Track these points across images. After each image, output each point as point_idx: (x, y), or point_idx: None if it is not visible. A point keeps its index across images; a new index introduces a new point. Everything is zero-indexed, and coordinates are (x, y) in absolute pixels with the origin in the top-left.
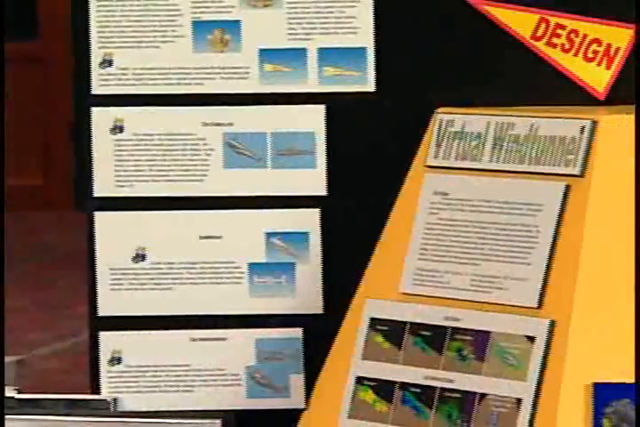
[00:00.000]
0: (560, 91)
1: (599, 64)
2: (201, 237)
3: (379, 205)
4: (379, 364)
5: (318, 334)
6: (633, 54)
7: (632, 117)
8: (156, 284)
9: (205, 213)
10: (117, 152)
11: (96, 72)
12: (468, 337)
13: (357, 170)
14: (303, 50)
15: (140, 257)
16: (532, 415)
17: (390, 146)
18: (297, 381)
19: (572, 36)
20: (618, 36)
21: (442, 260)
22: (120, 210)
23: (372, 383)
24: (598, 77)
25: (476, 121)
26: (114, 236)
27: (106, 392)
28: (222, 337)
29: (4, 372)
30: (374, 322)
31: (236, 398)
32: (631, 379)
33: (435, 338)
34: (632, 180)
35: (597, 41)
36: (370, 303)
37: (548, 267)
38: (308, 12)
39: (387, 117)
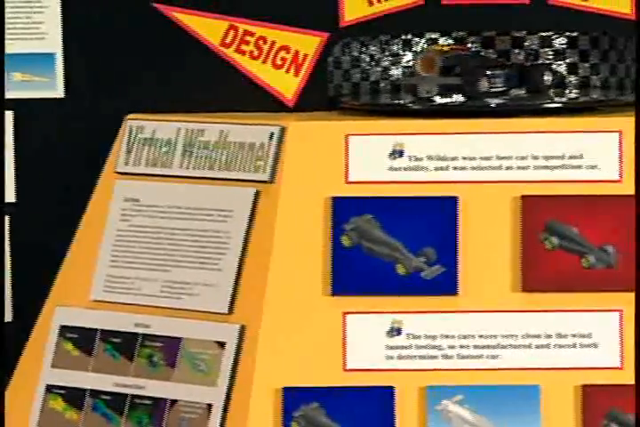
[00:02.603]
0: (251, 98)
1: (287, 71)
2: None
3: (70, 212)
4: (68, 372)
5: (7, 343)
6: (320, 61)
7: (320, 123)
8: None
9: None
10: None
11: None
12: (159, 344)
13: (47, 177)
14: None
15: None
16: (223, 420)
17: (81, 152)
18: None
19: (261, 43)
20: (306, 44)
21: (132, 266)
22: None
23: (61, 391)
24: (287, 84)
25: (166, 127)
26: None
27: None
28: None
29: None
30: (64, 330)
31: None
32: (319, 384)
33: (125, 345)
34: (320, 185)
35: (286, 48)
36: (59, 311)
37: (239, 272)
38: None
39: (76, 124)
